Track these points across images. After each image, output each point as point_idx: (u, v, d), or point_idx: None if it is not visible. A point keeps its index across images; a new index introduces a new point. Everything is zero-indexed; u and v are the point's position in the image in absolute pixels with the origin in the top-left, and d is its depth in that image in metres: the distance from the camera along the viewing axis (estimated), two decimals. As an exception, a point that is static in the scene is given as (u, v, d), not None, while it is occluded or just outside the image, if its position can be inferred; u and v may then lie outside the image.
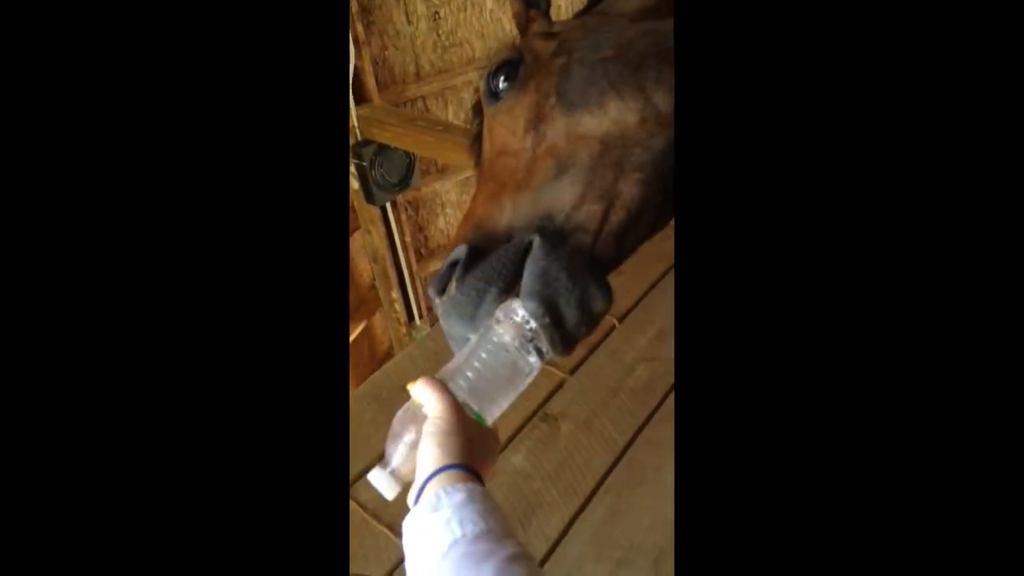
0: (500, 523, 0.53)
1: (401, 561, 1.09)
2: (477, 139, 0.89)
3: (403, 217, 3.16)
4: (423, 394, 0.63)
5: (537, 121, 0.74)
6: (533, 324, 0.64)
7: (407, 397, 1.61)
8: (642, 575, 1.23)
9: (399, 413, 0.65)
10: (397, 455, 0.62)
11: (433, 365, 1.50)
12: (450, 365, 0.66)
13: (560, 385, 1.61)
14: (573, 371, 1.64)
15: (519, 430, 1.52)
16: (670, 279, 1.89)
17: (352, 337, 3.31)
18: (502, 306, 0.65)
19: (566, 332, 0.66)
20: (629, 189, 0.69)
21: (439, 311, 0.70)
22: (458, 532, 0.51)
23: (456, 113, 3.12)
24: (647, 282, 1.88)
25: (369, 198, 2.82)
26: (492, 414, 0.65)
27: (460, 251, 0.68)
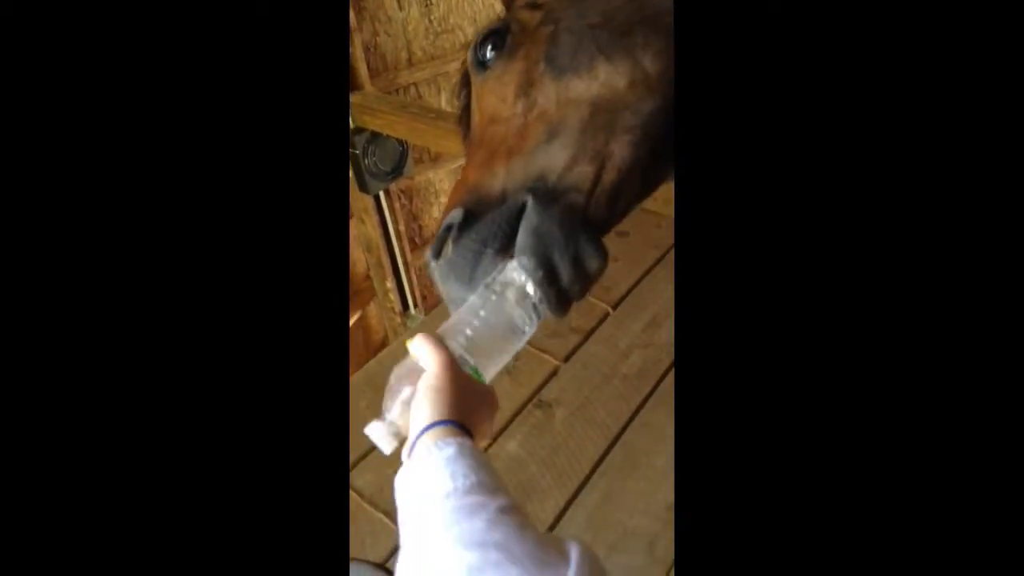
0: (491, 476, 0.54)
1: (398, 547, 1.10)
2: (465, 111, 0.90)
3: (397, 206, 3.15)
4: (420, 350, 0.64)
5: (527, 87, 0.75)
6: (529, 283, 0.65)
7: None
8: (636, 558, 1.25)
9: (396, 368, 0.66)
10: (394, 410, 0.63)
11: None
12: (449, 322, 0.67)
13: (554, 372, 1.62)
14: (567, 358, 1.65)
15: (514, 417, 1.53)
16: (663, 267, 1.90)
17: (347, 326, 3.30)
18: (500, 266, 0.67)
19: (561, 289, 0.66)
20: (620, 151, 0.70)
21: (436, 275, 0.71)
22: (449, 485, 0.52)
23: (449, 100, 3.11)
24: (641, 270, 1.88)
25: (362, 187, 2.81)
26: (490, 371, 0.67)
27: (455, 215, 0.69)
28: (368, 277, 3.32)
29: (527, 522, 0.51)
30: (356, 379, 1.56)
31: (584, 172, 0.69)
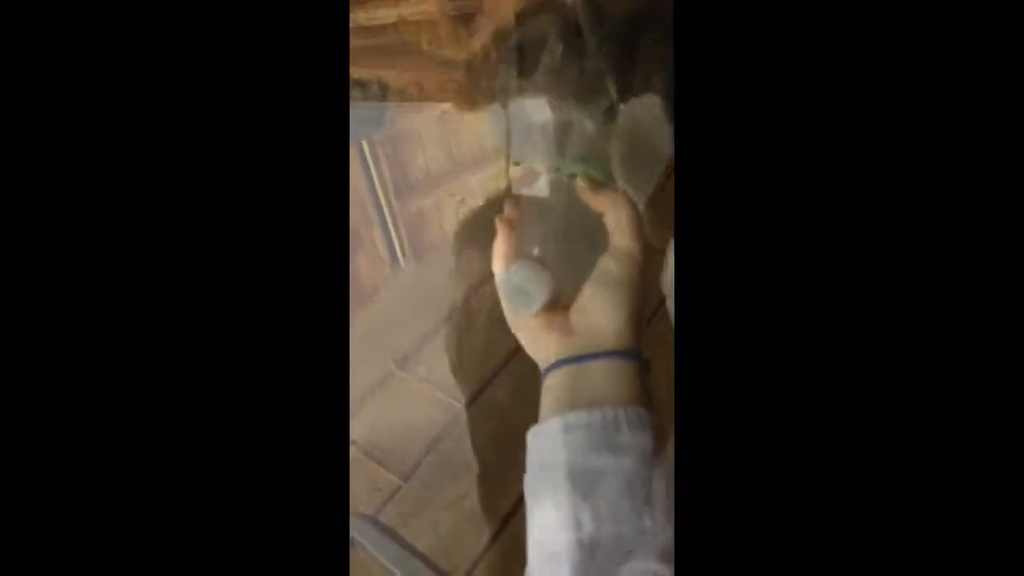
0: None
1: (389, 499, 1.11)
2: None
3: (380, 154, 3.09)
4: (612, 208, 0.43)
5: None
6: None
7: (392, 336, 1.59)
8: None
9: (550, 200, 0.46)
10: (553, 253, 0.42)
11: (416, 305, 1.49)
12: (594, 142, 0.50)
13: (544, 322, 1.63)
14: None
15: (503, 366, 1.54)
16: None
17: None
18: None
19: None
20: None
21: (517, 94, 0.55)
22: (638, 521, 0.39)
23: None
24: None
25: (344, 134, 2.74)
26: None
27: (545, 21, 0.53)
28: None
29: None
30: (344, 331, 1.56)
31: None
